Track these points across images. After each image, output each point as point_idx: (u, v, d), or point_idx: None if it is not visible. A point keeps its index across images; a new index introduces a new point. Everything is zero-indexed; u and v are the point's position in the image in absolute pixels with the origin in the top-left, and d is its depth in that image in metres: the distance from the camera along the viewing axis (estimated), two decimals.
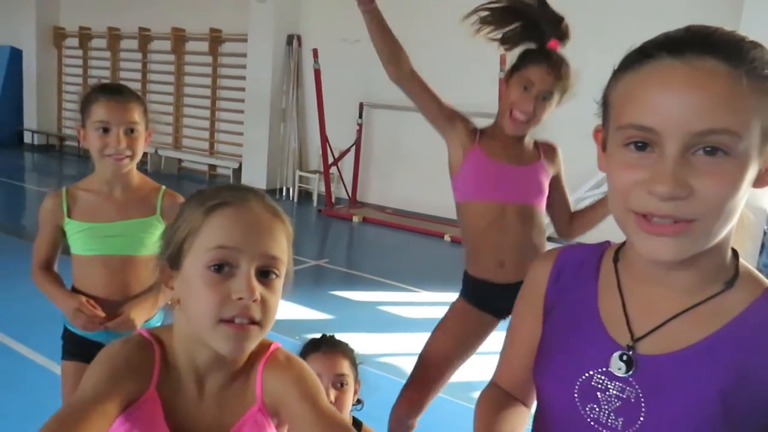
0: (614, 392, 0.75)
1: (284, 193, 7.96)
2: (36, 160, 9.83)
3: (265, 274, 0.84)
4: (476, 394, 0.97)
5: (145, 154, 8.99)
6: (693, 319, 0.74)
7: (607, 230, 0.81)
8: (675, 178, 0.65)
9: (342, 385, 1.54)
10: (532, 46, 1.81)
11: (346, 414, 1.56)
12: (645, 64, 0.69)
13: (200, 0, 8.63)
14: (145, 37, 9.35)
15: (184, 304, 0.86)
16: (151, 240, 1.74)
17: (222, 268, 0.82)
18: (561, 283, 0.86)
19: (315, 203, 7.61)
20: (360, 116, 7.31)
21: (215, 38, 8.54)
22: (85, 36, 10.11)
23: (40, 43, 10.32)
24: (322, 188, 7.46)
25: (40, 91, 10.48)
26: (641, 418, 0.73)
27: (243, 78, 8.12)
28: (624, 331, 0.77)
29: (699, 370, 0.71)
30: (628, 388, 0.74)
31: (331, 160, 7.34)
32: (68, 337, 1.79)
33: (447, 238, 6.04)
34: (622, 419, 0.74)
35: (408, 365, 3.34)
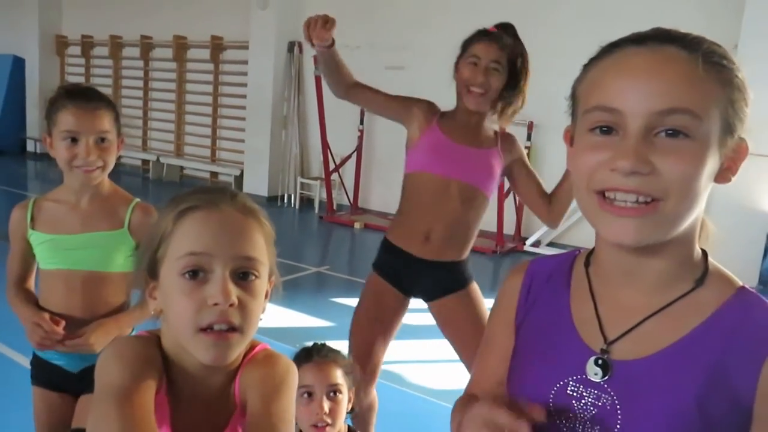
0: (589, 400, 0.74)
1: (286, 200, 7.95)
2: (39, 169, 9.84)
3: (243, 276, 0.82)
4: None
5: (146, 162, 8.93)
6: (665, 321, 0.73)
7: (588, 242, 0.80)
8: (637, 153, 0.66)
9: (335, 394, 1.53)
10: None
11: (341, 423, 1.55)
12: (610, 54, 0.72)
13: (202, 8, 8.66)
14: (147, 45, 9.38)
15: (165, 314, 0.84)
16: (118, 255, 1.62)
17: (197, 274, 0.80)
18: (532, 293, 0.86)
19: (316, 210, 7.61)
20: (361, 122, 7.31)
21: (217, 46, 8.57)
22: (87, 44, 10.14)
23: (43, 51, 10.34)
24: (324, 195, 7.46)
25: (43, 100, 10.46)
26: (617, 426, 0.72)
27: (244, 85, 8.13)
28: (598, 335, 0.76)
29: (673, 374, 0.71)
30: (603, 395, 0.74)
31: (332, 166, 7.34)
32: (35, 362, 1.71)
33: None
34: (598, 427, 0.73)
35: (409, 373, 3.33)
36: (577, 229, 5.93)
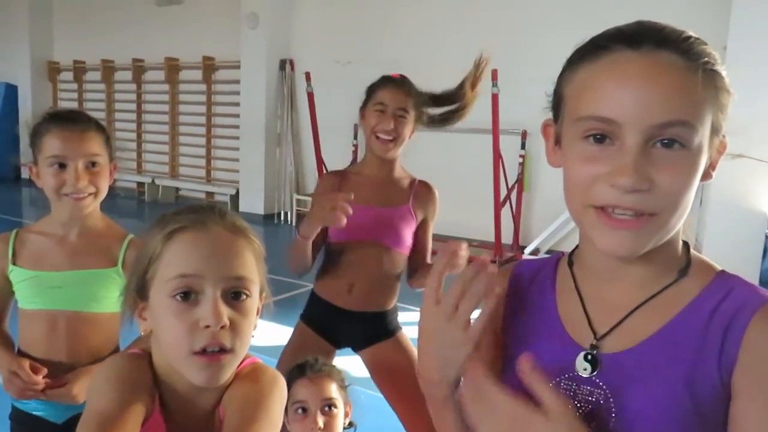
0: (583, 396, 0.73)
1: (282, 218, 7.94)
2: (33, 195, 9.81)
3: (234, 296, 0.81)
4: None
5: (141, 184, 8.88)
6: (650, 311, 0.73)
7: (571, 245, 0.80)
8: (637, 170, 0.65)
9: (330, 408, 1.51)
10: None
11: None
12: (601, 56, 0.69)
13: (192, 29, 8.70)
14: (138, 68, 9.41)
15: (155, 335, 0.84)
16: (107, 296, 1.47)
17: (188, 295, 0.79)
18: (518, 295, 0.85)
19: None
20: (355, 137, 7.32)
21: (208, 66, 8.60)
22: (79, 69, 10.17)
23: (35, 78, 10.37)
24: None
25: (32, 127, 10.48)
26: (612, 419, 0.71)
27: (237, 104, 8.15)
28: (586, 332, 0.76)
29: (659, 361, 0.70)
30: (596, 390, 0.73)
31: None
32: (14, 415, 1.54)
33: None
34: (594, 423, 0.72)
35: None
36: (575, 238, 5.92)
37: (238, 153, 8.26)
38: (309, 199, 7.71)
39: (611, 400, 0.72)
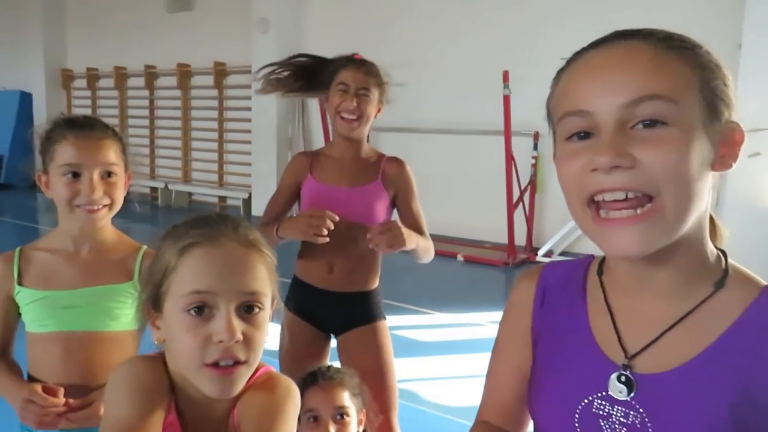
0: (618, 417, 0.70)
1: None
2: (48, 201, 9.91)
3: (248, 310, 0.82)
4: None
5: (155, 189, 8.89)
6: (688, 329, 0.69)
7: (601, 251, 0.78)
8: (613, 146, 0.64)
9: (342, 416, 1.50)
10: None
11: None
12: (573, 63, 0.71)
13: (204, 35, 8.76)
14: (151, 75, 9.49)
15: (168, 345, 0.85)
16: (124, 312, 1.35)
17: (202, 310, 0.80)
18: (547, 304, 0.82)
19: None
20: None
21: (220, 71, 8.64)
22: (92, 76, 10.27)
23: (49, 86, 10.49)
24: None
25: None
26: None
27: (249, 109, 8.19)
28: (618, 349, 0.73)
29: (704, 386, 0.67)
30: (632, 412, 0.69)
31: None
32: None
33: (460, 257, 5.99)
34: None
35: (422, 390, 3.29)
36: (588, 240, 5.88)
37: (250, 157, 8.30)
38: None
39: (649, 424, 0.68)
